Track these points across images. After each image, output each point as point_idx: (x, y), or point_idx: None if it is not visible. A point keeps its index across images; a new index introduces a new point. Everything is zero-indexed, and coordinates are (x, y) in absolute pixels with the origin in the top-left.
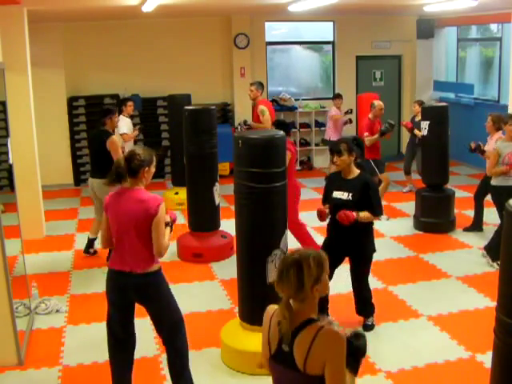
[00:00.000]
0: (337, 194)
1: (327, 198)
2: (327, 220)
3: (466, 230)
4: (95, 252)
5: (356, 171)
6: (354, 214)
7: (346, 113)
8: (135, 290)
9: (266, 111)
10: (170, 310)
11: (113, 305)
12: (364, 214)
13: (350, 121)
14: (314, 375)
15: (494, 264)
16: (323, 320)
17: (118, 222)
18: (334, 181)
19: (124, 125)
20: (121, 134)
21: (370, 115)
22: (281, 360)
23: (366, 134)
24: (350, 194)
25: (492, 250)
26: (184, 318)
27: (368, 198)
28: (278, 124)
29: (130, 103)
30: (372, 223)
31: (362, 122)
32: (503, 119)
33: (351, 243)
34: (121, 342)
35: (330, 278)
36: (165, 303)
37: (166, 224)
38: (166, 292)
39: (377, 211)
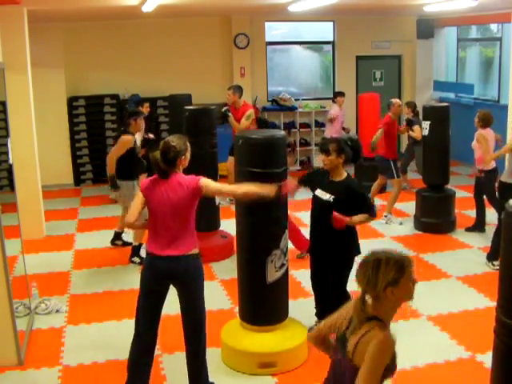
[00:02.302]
0: (318, 193)
1: (307, 182)
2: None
3: (468, 230)
4: (125, 244)
5: (344, 174)
6: (347, 219)
7: (344, 129)
8: (177, 273)
9: (251, 118)
10: (202, 301)
11: (148, 294)
12: (358, 218)
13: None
14: (359, 367)
15: (490, 264)
16: (385, 327)
17: (161, 208)
18: (322, 178)
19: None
20: None
21: (391, 114)
22: (341, 345)
23: (380, 126)
24: (332, 197)
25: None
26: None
27: (352, 203)
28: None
29: (146, 104)
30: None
31: (382, 120)
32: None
33: (332, 244)
34: (144, 341)
35: (317, 283)
36: (200, 289)
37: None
38: (203, 279)
39: (371, 214)
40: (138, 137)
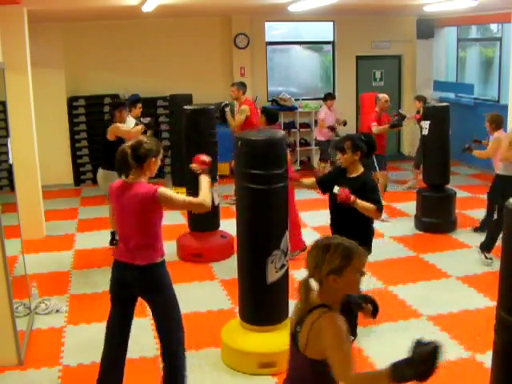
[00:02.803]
0: (336, 190)
1: (324, 183)
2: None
3: (476, 230)
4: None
5: (360, 169)
6: (353, 197)
7: (341, 123)
8: (138, 282)
9: (245, 113)
10: (174, 305)
11: (115, 300)
12: (364, 204)
13: (334, 130)
14: (314, 359)
15: (483, 256)
16: (331, 311)
17: (122, 214)
18: (339, 175)
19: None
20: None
21: (377, 108)
22: (293, 340)
23: (373, 123)
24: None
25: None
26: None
27: (365, 197)
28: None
29: (139, 105)
30: (371, 224)
31: (368, 116)
32: (500, 118)
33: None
34: (115, 346)
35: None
36: (167, 296)
37: (202, 172)
38: (170, 286)
39: (379, 206)
40: (130, 124)
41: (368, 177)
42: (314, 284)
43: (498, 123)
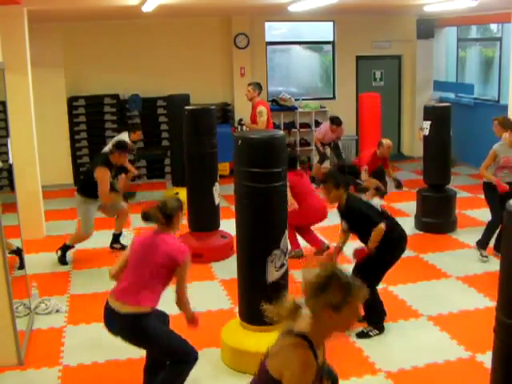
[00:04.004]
0: (352, 256)
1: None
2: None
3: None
4: (123, 247)
5: (343, 199)
6: (366, 249)
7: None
8: (120, 332)
9: (265, 114)
10: (169, 350)
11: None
12: (372, 242)
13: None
14: (272, 376)
15: (479, 254)
16: (308, 347)
17: (136, 254)
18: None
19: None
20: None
21: (378, 152)
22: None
23: (365, 167)
24: (346, 225)
25: (481, 240)
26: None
27: (356, 222)
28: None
29: (138, 132)
30: (388, 235)
31: (366, 152)
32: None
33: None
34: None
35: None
36: (157, 346)
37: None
38: (158, 336)
39: (374, 225)
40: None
41: (351, 202)
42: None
43: (510, 125)
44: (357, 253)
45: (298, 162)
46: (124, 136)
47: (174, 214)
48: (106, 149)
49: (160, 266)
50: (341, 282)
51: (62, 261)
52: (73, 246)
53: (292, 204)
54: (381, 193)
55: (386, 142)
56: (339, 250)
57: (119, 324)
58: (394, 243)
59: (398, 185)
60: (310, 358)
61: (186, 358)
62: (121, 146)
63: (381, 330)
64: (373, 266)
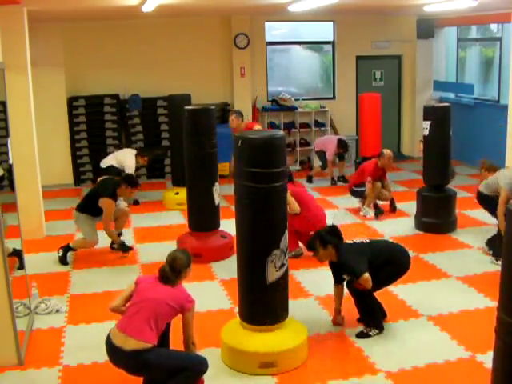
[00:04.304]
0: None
1: (339, 279)
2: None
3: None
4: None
5: (334, 256)
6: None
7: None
8: (126, 367)
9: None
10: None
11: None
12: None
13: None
14: None
15: (494, 259)
16: None
17: (142, 294)
18: (334, 266)
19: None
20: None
21: (379, 163)
22: None
23: (369, 178)
24: (348, 277)
25: (492, 243)
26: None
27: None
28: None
29: (145, 158)
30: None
31: (367, 165)
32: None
33: None
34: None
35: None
36: (161, 372)
37: None
38: (160, 365)
39: (356, 276)
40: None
41: (341, 257)
42: None
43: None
44: (356, 285)
45: (293, 176)
46: (130, 156)
47: (183, 270)
48: (110, 159)
49: (166, 312)
50: None
51: (63, 261)
52: (75, 249)
53: (296, 209)
54: (393, 207)
55: (387, 152)
56: (338, 312)
57: (124, 361)
58: (394, 270)
59: (393, 210)
60: None
61: (196, 368)
62: (130, 182)
63: (381, 329)
64: (376, 282)
